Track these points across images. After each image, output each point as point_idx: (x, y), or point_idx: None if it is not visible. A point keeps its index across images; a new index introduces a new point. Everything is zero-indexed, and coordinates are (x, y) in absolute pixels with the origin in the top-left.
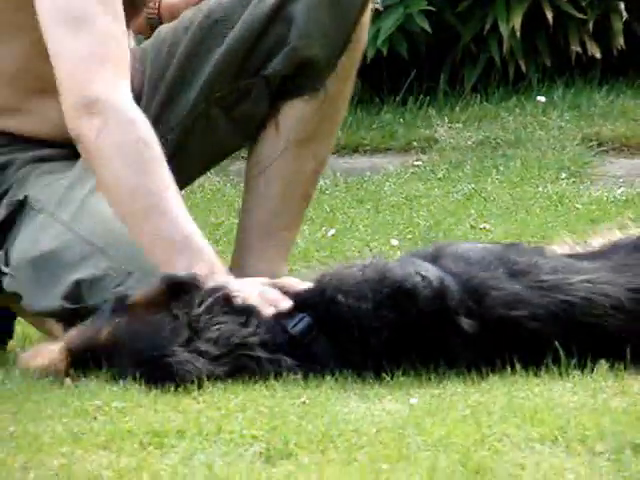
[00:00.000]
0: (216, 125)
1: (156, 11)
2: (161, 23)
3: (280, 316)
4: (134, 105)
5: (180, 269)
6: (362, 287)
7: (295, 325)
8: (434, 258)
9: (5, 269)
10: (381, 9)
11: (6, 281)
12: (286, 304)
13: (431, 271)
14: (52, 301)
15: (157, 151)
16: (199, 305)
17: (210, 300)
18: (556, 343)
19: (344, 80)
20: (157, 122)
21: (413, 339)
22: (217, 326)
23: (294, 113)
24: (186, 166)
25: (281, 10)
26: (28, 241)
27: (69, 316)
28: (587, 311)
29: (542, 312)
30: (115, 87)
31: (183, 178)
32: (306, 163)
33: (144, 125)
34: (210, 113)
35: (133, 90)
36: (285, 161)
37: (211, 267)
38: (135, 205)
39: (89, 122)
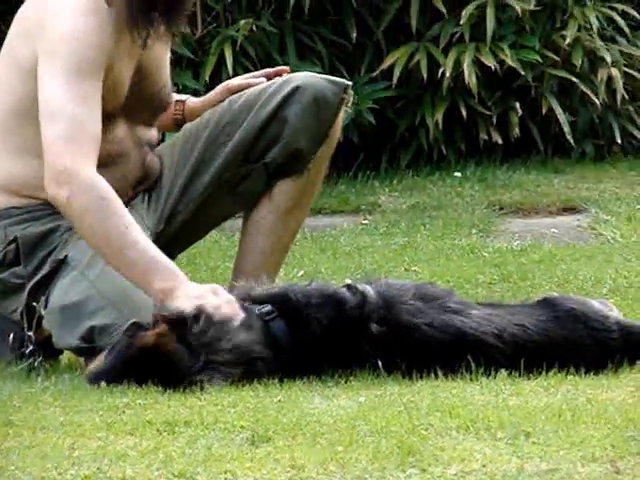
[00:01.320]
0: (223, 198)
1: (181, 113)
2: (185, 122)
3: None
4: (92, 173)
5: (154, 287)
6: (308, 291)
7: (260, 310)
8: (367, 282)
9: (43, 312)
10: (350, 111)
11: (43, 321)
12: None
13: (359, 285)
14: (71, 340)
15: (115, 203)
16: (203, 332)
17: (209, 328)
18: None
19: (321, 165)
20: (180, 196)
21: (340, 330)
22: (226, 341)
23: (284, 189)
24: (199, 228)
25: (278, 114)
26: (61, 292)
27: (83, 353)
28: (476, 329)
29: (438, 323)
30: (77, 161)
31: (194, 237)
32: (290, 225)
33: (102, 186)
34: (220, 190)
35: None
36: (275, 223)
37: (175, 278)
38: (109, 249)
39: (59, 190)
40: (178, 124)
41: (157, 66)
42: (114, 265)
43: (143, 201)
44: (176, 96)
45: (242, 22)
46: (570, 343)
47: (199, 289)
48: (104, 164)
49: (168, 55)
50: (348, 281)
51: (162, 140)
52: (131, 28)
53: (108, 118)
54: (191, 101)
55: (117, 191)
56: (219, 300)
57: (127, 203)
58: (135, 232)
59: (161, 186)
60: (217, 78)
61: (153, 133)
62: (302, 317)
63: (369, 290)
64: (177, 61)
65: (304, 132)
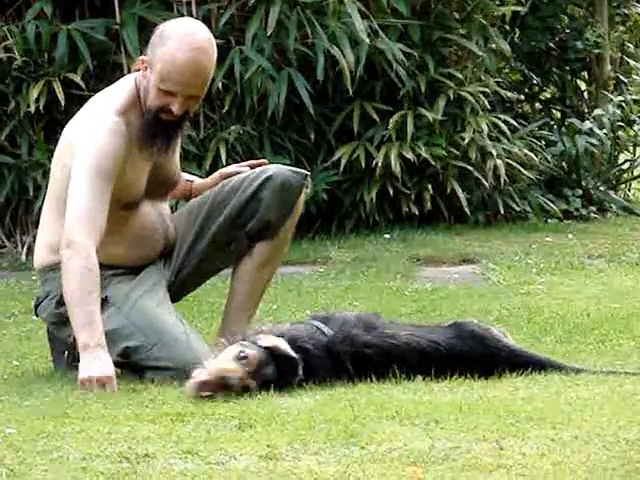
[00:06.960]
0: (217, 256)
1: (189, 190)
2: (191, 197)
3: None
4: (91, 249)
5: (79, 339)
6: (311, 335)
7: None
8: (326, 319)
9: None
10: (308, 192)
11: None
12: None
13: (326, 330)
14: (111, 357)
15: (93, 275)
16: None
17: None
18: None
19: (288, 231)
20: (186, 255)
21: (322, 360)
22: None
23: (260, 249)
24: (201, 277)
25: (255, 195)
26: (103, 322)
27: (120, 366)
28: (405, 348)
29: (381, 350)
30: (82, 238)
31: (198, 283)
32: (265, 275)
33: (92, 260)
34: (215, 250)
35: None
36: (253, 274)
37: (93, 340)
38: (72, 299)
39: (65, 251)
40: (186, 198)
41: (168, 160)
42: (68, 310)
43: (161, 260)
44: (187, 176)
45: (233, 127)
46: (468, 356)
47: (95, 360)
48: (140, 238)
49: (178, 149)
50: (308, 312)
51: (175, 206)
52: (141, 147)
53: (135, 201)
54: (196, 182)
55: (149, 257)
56: (98, 372)
57: (152, 263)
58: (91, 299)
59: (173, 249)
60: (215, 168)
61: (167, 206)
62: (304, 352)
63: (331, 332)
64: (185, 155)
65: (274, 209)
